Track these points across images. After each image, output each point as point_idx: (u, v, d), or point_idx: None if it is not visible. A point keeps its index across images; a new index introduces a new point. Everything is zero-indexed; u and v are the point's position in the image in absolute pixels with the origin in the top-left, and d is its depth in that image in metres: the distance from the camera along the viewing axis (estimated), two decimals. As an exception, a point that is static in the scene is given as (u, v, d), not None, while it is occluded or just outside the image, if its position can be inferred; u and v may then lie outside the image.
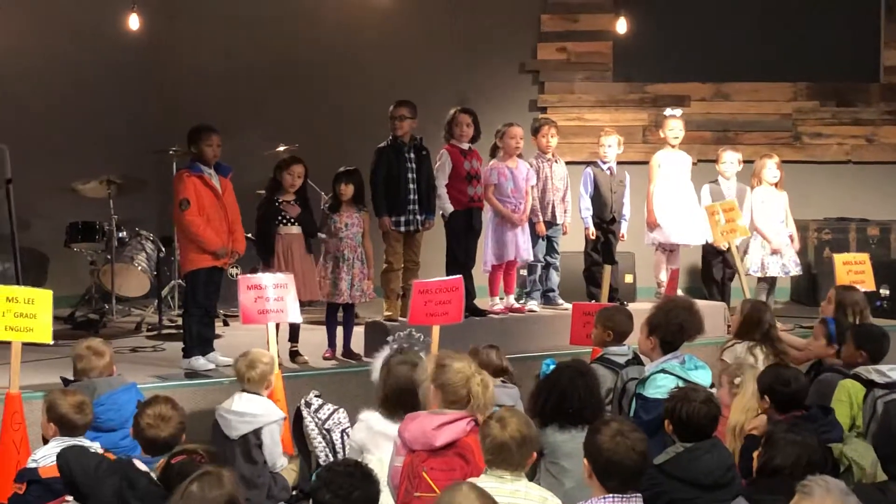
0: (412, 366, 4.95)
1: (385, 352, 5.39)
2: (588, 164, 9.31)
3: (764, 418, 5.08)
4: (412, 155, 8.10)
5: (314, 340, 7.96)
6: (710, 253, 9.58)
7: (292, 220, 7.69)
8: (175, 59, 10.90)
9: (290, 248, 7.65)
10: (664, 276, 9.50)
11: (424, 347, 5.95)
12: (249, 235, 8.66)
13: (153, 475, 4.35)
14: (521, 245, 8.59)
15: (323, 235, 7.84)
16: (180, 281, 9.41)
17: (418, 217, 8.16)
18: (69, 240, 9.45)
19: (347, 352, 7.86)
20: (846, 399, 5.53)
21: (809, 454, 4.19)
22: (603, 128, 9.70)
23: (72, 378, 5.89)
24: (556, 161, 9.00)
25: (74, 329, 8.99)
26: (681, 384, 5.20)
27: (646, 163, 9.84)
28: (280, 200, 7.70)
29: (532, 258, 8.78)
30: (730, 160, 9.54)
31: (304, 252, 7.72)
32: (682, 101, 11.04)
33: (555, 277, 9.02)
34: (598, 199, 9.09)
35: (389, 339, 5.97)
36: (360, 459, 4.47)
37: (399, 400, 4.90)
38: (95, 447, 5.07)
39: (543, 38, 11.45)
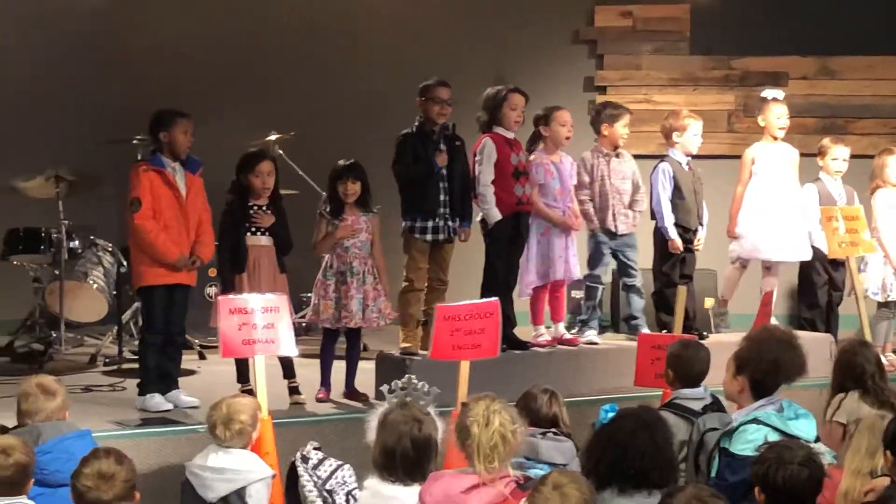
0: (416, 422, 4.94)
1: (383, 406, 5.37)
2: (661, 157, 9.13)
3: (886, 481, 5.02)
4: (443, 146, 8.08)
5: (309, 377, 7.89)
6: (813, 271, 9.53)
7: (263, 231, 7.70)
8: (138, 31, 10.93)
9: (257, 262, 7.63)
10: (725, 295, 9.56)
11: (431, 401, 5.93)
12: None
13: None
14: (570, 261, 8.58)
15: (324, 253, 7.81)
16: (144, 303, 9.44)
17: (450, 224, 8.11)
18: (8, 251, 9.49)
19: (351, 392, 7.81)
20: None
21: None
22: (678, 111, 9.41)
23: (11, 426, 5.88)
24: (615, 156, 8.86)
25: (14, 363, 9.03)
26: (777, 437, 5.15)
27: (731, 157, 9.77)
28: (252, 205, 7.72)
29: (580, 276, 8.74)
30: (841, 155, 9.53)
31: (276, 271, 7.72)
32: (777, 79, 11.00)
33: (637, 302, 8.93)
34: (679, 202, 8.93)
35: (384, 388, 6.00)
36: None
37: (400, 461, 4.89)
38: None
39: (603, 0, 11.44)
